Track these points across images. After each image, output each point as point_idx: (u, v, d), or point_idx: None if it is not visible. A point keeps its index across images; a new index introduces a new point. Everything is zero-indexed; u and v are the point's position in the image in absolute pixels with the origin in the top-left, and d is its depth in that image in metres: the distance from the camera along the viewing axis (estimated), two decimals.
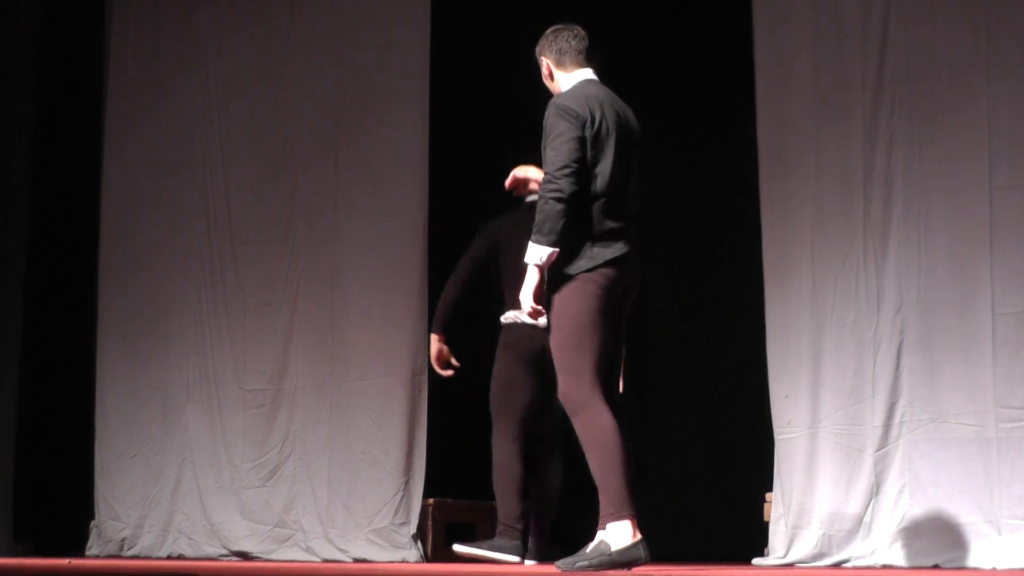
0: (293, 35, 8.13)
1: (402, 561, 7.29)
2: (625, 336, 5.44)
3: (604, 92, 5.43)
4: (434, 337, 6.72)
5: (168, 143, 8.47)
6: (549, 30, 5.58)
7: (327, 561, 7.48)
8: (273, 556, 7.72)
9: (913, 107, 6.41)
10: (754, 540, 6.76)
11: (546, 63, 5.53)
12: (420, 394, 7.50)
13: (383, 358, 7.58)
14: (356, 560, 7.39)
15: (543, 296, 5.22)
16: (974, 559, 6.02)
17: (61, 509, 8.68)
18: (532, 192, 6.08)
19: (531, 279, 5.17)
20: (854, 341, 6.44)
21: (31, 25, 8.79)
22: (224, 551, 7.89)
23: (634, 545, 5.07)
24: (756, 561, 6.58)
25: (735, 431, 7.89)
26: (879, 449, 6.34)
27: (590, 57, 5.54)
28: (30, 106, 8.74)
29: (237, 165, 8.22)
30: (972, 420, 6.14)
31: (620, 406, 5.33)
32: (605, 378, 5.20)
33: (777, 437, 6.58)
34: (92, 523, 8.37)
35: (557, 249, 5.13)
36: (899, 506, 6.27)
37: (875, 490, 6.32)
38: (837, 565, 6.33)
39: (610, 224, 5.26)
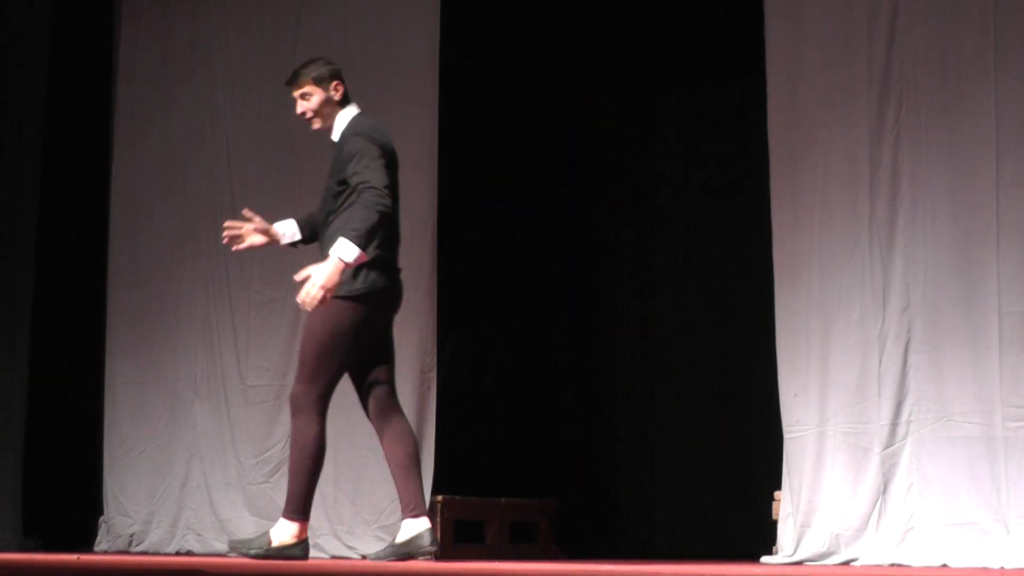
0: (300, 33, 8.11)
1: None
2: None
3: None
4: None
5: (176, 142, 8.46)
6: (322, 61, 6.09)
7: (335, 558, 7.48)
8: None
9: (920, 104, 6.38)
10: (764, 538, 6.75)
11: (342, 88, 6.00)
12: (429, 391, 7.47)
13: None
14: (364, 557, 7.39)
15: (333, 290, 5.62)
16: (982, 558, 6.00)
17: (70, 505, 8.69)
18: None
19: (336, 270, 5.55)
20: (860, 339, 6.41)
21: (40, 25, 8.78)
22: None
23: (294, 544, 5.87)
24: (765, 559, 6.58)
25: (745, 429, 7.88)
26: (886, 448, 6.32)
27: None
28: (40, 106, 8.74)
29: (244, 162, 8.21)
30: (979, 419, 6.13)
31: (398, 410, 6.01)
32: (332, 391, 5.93)
33: (786, 436, 6.57)
34: (101, 519, 8.38)
35: (366, 257, 5.58)
36: (907, 505, 6.25)
37: (882, 489, 6.30)
38: (846, 563, 6.32)
39: (390, 251, 5.78)
